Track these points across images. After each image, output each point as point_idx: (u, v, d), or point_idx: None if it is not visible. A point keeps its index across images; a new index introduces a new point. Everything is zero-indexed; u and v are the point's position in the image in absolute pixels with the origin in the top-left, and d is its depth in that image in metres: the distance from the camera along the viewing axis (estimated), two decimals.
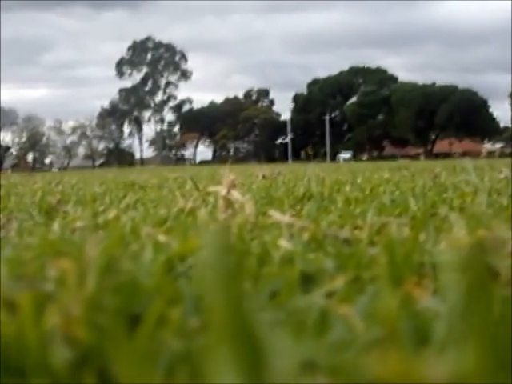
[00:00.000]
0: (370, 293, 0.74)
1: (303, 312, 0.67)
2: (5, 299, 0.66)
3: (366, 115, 67.95)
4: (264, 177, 6.08)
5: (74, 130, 75.54)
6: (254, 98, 80.00)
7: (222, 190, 1.64)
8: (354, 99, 72.12)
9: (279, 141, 75.54)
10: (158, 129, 79.04)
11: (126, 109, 78.60)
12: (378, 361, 0.31)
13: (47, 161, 77.12)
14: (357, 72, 73.44)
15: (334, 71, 76.41)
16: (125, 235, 1.30)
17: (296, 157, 60.32)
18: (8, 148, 74.20)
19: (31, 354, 0.56)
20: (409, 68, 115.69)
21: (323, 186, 3.09)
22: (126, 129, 79.18)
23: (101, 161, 75.99)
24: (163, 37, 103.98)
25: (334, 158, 57.49)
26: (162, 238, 1.17)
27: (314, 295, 0.78)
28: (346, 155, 57.04)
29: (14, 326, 0.59)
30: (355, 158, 58.52)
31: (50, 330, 0.56)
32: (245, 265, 0.91)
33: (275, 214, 1.33)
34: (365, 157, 66.78)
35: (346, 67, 75.69)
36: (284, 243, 1.10)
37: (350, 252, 1.05)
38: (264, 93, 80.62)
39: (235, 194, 1.62)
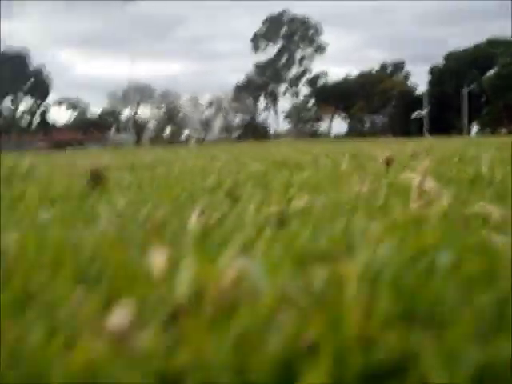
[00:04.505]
0: None
1: None
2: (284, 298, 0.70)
3: (504, 87, 65.09)
4: (414, 154, 5.98)
5: (210, 103, 76.91)
6: (388, 71, 78.49)
7: (416, 178, 1.62)
8: (492, 71, 69.24)
9: (415, 114, 73.76)
10: (294, 102, 79.20)
11: (262, 83, 79.10)
12: None
13: (184, 134, 78.96)
14: (495, 44, 70.44)
15: (469, 43, 73.73)
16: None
17: (434, 130, 58.66)
18: (146, 122, 76.51)
19: None
20: None
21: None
22: (262, 102, 79.83)
23: (237, 134, 76.94)
24: (297, 11, 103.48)
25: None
26: None
27: None
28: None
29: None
30: (493, 132, 56.48)
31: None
32: None
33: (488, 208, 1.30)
34: (503, 131, 64.13)
35: (480, 39, 72.74)
36: None
37: None
38: (399, 66, 78.92)
39: (429, 183, 1.61)
